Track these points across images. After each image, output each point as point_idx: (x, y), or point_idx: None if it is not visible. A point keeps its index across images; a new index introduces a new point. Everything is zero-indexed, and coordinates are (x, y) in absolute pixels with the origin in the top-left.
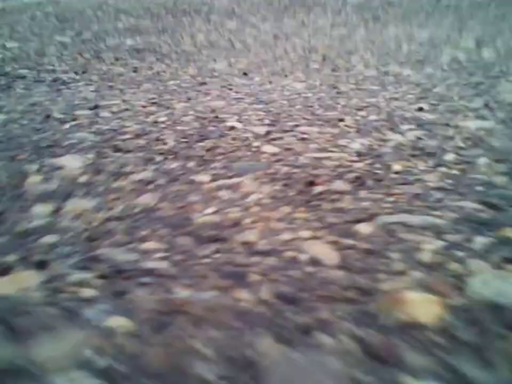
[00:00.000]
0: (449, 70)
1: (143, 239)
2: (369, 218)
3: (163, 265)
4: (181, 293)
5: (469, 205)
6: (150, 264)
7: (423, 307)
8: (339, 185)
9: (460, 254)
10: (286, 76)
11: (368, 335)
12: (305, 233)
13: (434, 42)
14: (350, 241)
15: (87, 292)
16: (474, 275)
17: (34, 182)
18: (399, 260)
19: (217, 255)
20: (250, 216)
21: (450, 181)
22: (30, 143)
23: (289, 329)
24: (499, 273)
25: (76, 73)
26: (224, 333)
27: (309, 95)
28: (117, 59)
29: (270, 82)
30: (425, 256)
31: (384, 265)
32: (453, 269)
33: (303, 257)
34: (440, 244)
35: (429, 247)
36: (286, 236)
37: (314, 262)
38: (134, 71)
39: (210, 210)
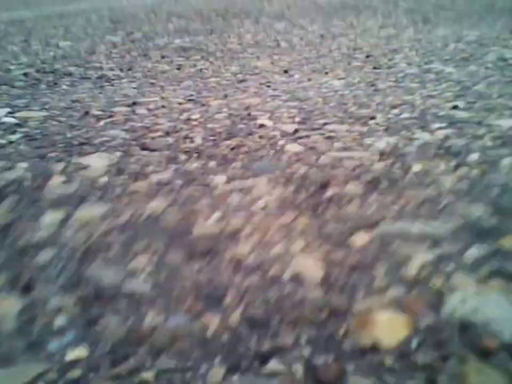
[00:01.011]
0: (493, 67)
1: (135, 254)
2: (370, 226)
3: (144, 287)
4: (152, 319)
5: (478, 209)
6: (132, 286)
7: (389, 329)
8: (352, 187)
9: (448, 267)
10: (326, 73)
11: (323, 361)
12: (298, 245)
13: (483, 41)
14: (340, 255)
15: (60, 320)
16: (454, 292)
17: (55, 183)
18: (383, 275)
19: (202, 273)
20: (251, 225)
21: (467, 183)
22: (63, 141)
23: (248, 357)
24: (481, 289)
25: (121, 70)
26: (181, 364)
27: (346, 92)
28: (163, 57)
29: (309, 79)
30: (411, 271)
31: (366, 282)
32: (435, 285)
33: (286, 274)
34: (431, 256)
35: (418, 260)
36: (278, 249)
37: (297, 279)
38: (178, 69)
39: (214, 217)
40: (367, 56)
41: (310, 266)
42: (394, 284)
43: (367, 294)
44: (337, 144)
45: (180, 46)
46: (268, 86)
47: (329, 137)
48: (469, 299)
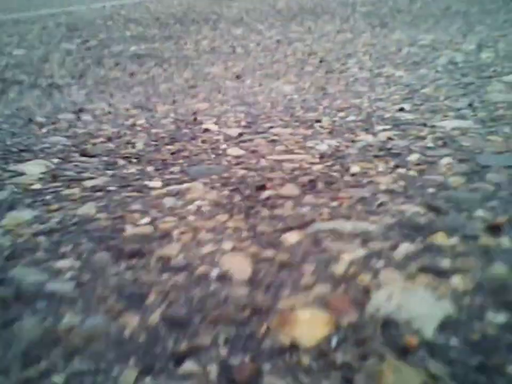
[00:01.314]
0: (443, 71)
1: (62, 257)
2: (302, 226)
3: (67, 287)
4: (70, 320)
5: (412, 208)
6: (54, 287)
7: (309, 328)
8: (288, 189)
9: (377, 264)
10: (278, 78)
11: (239, 361)
12: (228, 245)
13: (436, 45)
14: (270, 253)
15: None
16: (381, 288)
17: None
18: (312, 273)
19: (128, 273)
20: (182, 227)
21: (403, 183)
22: (2, 148)
23: (163, 358)
24: (408, 285)
25: (73, 77)
26: (94, 365)
27: (295, 96)
28: (116, 64)
29: (260, 84)
30: (340, 268)
31: (293, 280)
32: (362, 282)
33: (214, 272)
34: (362, 253)
35: (349, 257)
36: (207, 249)
37: (224, 278)
38: (130, 75)
39: (146, 220)
40: (321, 61)
41: (238, 265)
42: (322, 281)
43: (292, 291)
44: (279, 147)
45: (135, 53)
46: (218, 92)
47: (272, 141)
48: (394, 296)
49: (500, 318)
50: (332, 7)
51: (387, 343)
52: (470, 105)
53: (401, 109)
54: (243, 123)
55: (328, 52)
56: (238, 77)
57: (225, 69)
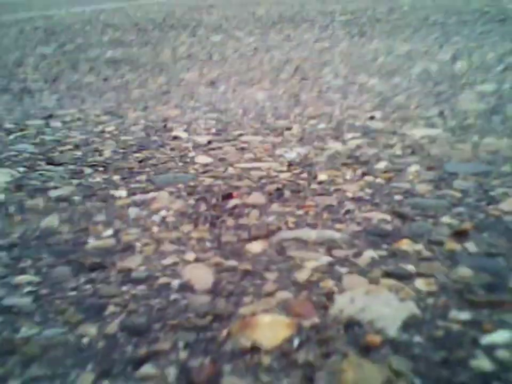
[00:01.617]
0: (416, 80)
1: (21, 272)
2: (267, 235)
3: (25, 301)
4: (28, 330)
5: (378, 216)
6: (12, 301)
7: (271, 331)
8: (255, 198)
9: (341, 270)
10: (252, 85)
11: (199, 364)
12: (191, 256)
13: (412, 55)
14: (233, 263)
15: None
16: (344, 292)
17: None
18: (274, 280)
19: (87, 286)
20: (145, 238)
21: (370, 191)
22: None
23: (121, 362)
24: (372, 288)
25: (46, 82)
26: (51, 371)
27: (267, 104)
28: (91, 69)
29: (234, 91)
30: (302, 275)
31: (256, 287)
32: (325, 287)
33: (175, 283)
34: (326, 260)
35: (312, 264)
36: (169, 260)
37: (185, 287)
38: (104, 80)
39: (109, 232)
40: (296, 69)
41: (200, 275)
42: (284, 288)
43: (254, 298)
44: (247, 155)
45: (111, 58)
46: (191, 98)
47: (241, 149)
48: (357, 299)
49: (464, 315)
50: (311, 15)
51: (350, 342)
52: (441, 113)
53: (372, 117)
54: (213, 130)
55: (305, 60)
56: (212, 83)
57: (200, 75)
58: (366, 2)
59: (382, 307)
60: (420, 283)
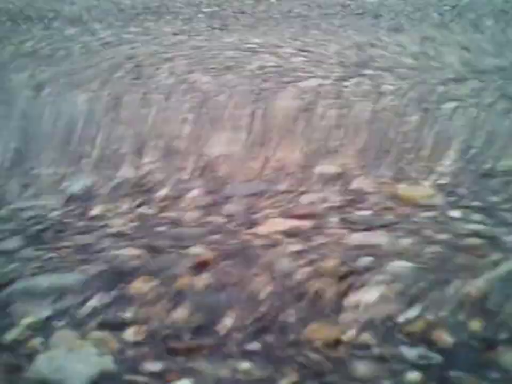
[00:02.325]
0: (248, 76)
1: None
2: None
3: None
4: None
5: (131, 252)
6: None
7: None
8: (12, 242)
9: (57, 324)
10: (78, 87)
11: None
12: None
13: (259, 49)
14: None
15: None
16: (48, 351)
17: None
18: None
19: None
20: None
21: (135, 224)
22: None
23: None
24: (77, 345)
25: None
26: None
27: (83, 108)
28: None
29: (59, 95)
30: (12, 335)
31: None
32: (30, 347)
33: None
34: (45, 314)
35: (27, 321)
36: None
37: None
38: None
39: None
40: (136, 66)
41: None
42: None
43: None
44: (30, 191)
45: None
46: (7, 105)
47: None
48: (58, 357)
49: (155, 366)
50: (177, 6)
51: None
52: (251, 115)
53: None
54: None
55: (150, 56)
56: (39, 86)
57: (30, 77)
58: None
59: (77, 364)
60: (129, 333)
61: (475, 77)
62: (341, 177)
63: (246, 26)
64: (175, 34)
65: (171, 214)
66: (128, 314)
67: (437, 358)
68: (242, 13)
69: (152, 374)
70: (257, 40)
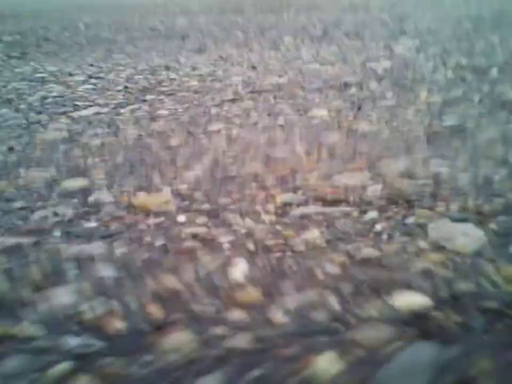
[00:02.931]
0: (24, 109)
1: None
2: None
3: None
4: None
5: None
6: None
7: None
8: None
9: None
10: None
11: None
12: None
13: (49, 78)
14: None
15: None
16: None
17: None
18: None
19: None
20: None
21: None
22: None
23: None
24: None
25: None
26: None
27: None
28: None
29: None
30: None
31: None
32: None
33: None
34: None
35: None
36: None
37: None
38: None
39: None
40: None
41: None
42: None
43: None
44: None
45: None
46: None
47: None
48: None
49: None
50: None
51: None
52: (11, 149)
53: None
54: None
55: None
56: None
57: None
58: (38, 22)
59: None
60: None
61: (251, 97)
62: (82, 191)
63: (47, 54)
64: None
65: None
66: None
67: (98, 345)
68: (47, 39)
69: None
70: (51, 69)
